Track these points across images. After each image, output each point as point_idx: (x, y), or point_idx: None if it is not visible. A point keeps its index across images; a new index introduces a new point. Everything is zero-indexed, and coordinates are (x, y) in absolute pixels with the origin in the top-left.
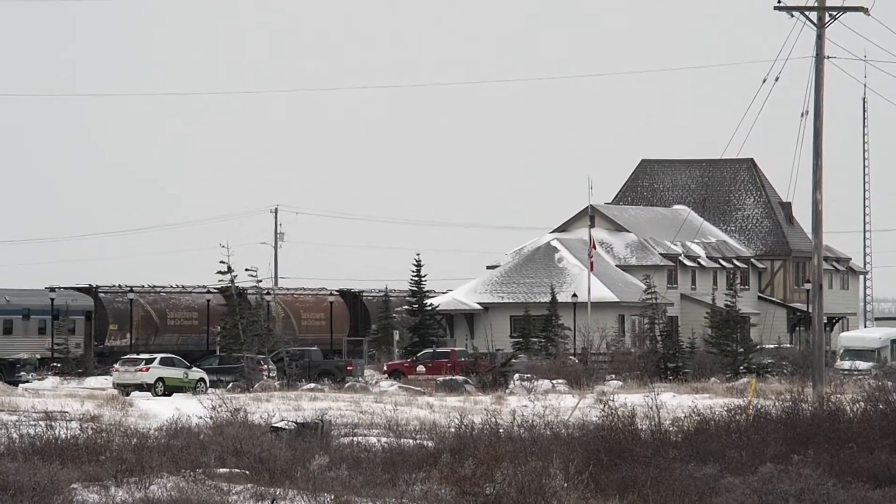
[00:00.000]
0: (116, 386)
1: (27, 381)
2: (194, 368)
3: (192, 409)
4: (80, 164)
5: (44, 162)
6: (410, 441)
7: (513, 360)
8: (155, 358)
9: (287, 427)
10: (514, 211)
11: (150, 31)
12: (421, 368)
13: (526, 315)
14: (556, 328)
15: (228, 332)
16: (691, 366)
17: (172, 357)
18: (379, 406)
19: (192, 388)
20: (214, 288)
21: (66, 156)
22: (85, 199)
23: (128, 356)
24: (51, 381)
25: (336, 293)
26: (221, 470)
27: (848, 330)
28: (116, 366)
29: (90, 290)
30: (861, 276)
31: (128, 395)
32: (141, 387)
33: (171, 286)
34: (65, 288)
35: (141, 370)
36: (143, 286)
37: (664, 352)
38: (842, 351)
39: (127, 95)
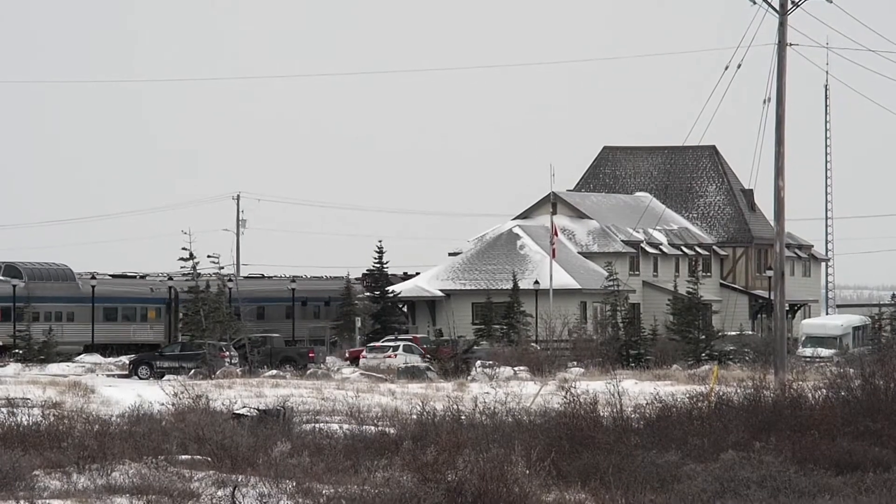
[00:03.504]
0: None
1: None
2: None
3: (153, 395)
4: (35, 151)
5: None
6: (372, 428)
7: (474, 347)
8: (400, 345)
9: (249, 414)
10: (475, 198)
11: (102, 17)
12: None
13: (488, 302)
14: (517, 315)
15: (190, 318)
16: (653, 353)
17: (411, 344)
18: (341, 393)
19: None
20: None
21: (20, 142)
22: (45, 186)
23: (374, 343)
24: (12, 367)
25: None
26: (183, 457)
27: (810, 317)
28: (364, 352)
29: None
30: (823, 264)
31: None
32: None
33: None
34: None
35: (389, 356)
36: None
37: (626, 339)
38: (804, 338)
39: (86, 82)
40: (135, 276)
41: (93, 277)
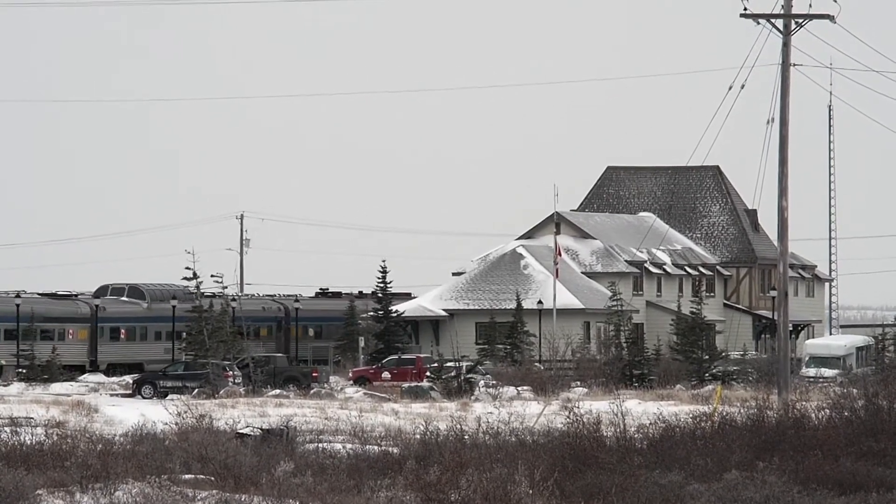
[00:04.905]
0: None
1: None
2: None
3: (157, 415)
4: (36, 171)
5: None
6: (375, 447)
7: (477, 367)
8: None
9: (252, 433)
10: (479, 218)
11: (106, 36)
12: (386, 375)
13: (491, 322)
14: (521, 335)
15: (194, 338)
16: (657, 373)
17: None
18: (344, 412)
19: None
20: None
21: (30, 161)
22: (51, 205)
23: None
24: (16, 386)
25: None
26: (186, 476)
27: (813, 337)
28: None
29: None
30: (826, 284)
31: None
32: None
33: None
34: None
35: None
36: None
37: (629, 359)
38: (807, 358)
39: (91, 101)
40: (249, 296)
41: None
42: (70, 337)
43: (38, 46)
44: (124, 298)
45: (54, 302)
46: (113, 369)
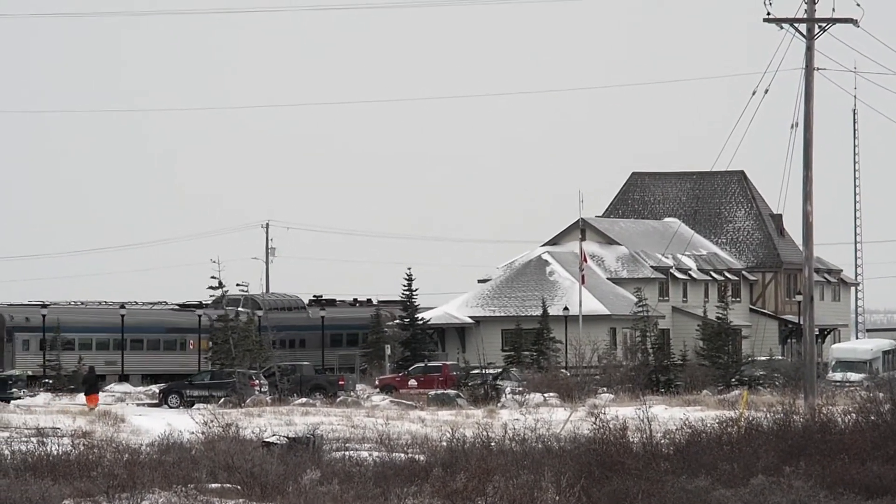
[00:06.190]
0: None
1: (19, 398)
2: None
3: (183, 424)
4: (61, 181)
5: (11, 176)
6: (402, 455)
7: (503, 376)
8: None
9: (279, 442)
10: (504, 225)
11: (137, 44)
12: (413, 382)
13: (517, 329)
14: (547, 342)
15: (220, 347)
16: (683, 378)
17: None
18: (370, 420)
19: None
20: None
21: (33, 171)
22: (71, 217)
23: None
24: (42, 397)
25: None
26: (213, 485)
27: (839, 341)
28: None
29: None
30: (852, 288)
31: None
32: None
33: None
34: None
35: None
36: None
37: (655, 364)
38: (833, 362)
39: (110, 111)
40: (353, 304)
41: (322, 307)
42: (191, 347)
43: (48, 54)
44: (240, 309)
45: (179, 314)
46: None
